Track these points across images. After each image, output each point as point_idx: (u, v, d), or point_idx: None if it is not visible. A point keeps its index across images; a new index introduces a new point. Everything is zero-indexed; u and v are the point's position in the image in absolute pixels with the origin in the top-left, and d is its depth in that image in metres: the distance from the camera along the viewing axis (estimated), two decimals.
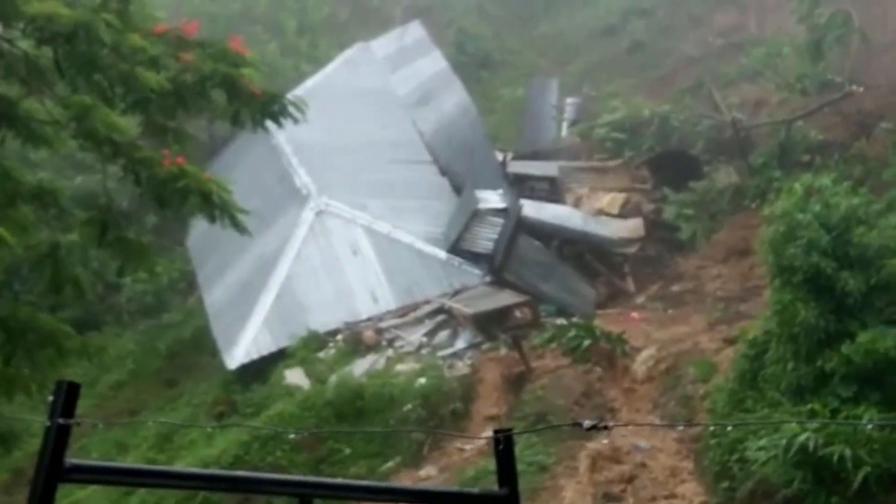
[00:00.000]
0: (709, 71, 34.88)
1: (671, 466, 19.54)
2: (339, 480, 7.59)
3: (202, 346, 29.34)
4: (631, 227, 29.76)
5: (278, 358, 26.47)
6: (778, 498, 16.53)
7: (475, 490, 5.93)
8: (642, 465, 19.62)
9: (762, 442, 16.15)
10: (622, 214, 30.13)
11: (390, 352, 25.96)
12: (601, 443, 20.12)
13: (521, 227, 29.13)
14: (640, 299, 28.06)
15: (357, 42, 39.68)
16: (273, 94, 16.82)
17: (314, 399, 23.93)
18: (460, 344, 25.93)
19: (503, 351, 25.06)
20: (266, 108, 16.67)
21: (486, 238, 28.63)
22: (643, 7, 41.88)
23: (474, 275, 28.20)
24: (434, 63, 37.66)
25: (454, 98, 35.65)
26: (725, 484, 17.99)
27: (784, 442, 15.44)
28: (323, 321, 27.20)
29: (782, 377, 17.21)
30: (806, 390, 16.77)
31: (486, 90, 39.36)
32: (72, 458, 4.62)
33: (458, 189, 31.42)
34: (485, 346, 25.60)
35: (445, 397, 23.62)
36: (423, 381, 23.97)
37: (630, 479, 19.35)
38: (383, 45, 39.51)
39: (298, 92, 21.85)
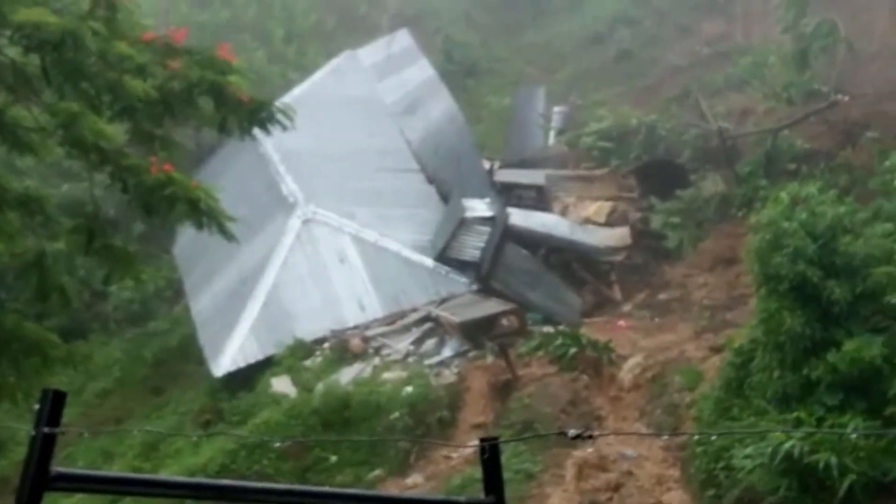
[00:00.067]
0: (695, 80, 34.97)
1: (657, 474, 19.55)
2: (325, 489, 7.57)
3: (189, 354, 29.27)
4: (618, 236, 29.79)
5: (265, 366, 26.41)
6: None
7: (462, 498, 5.94)
8: (629, 473, 19.62)
9: (748, 450, 16.18)
10: (609, 223, 30.16)
11: (377, 360, 25.93)
12: (587, 451, 20.13)
13: (508, 236, 29.15)
14: (626, 308, 28.09)
15: (344, 50, 39.65)
16: (261, 102, 16.85)
17: (301, 407, 23.89)
18: (447, 352, 25.92)
19: (490, 359, 25.04)
20: (254, 115, 16.69)
21: (473, 246, 28.64)
22: (630, 16, 41.96)
23: (461, 283, 28.19)
24: (421, 71, 37.67)
25: (441, 106, 35.66)
26: (712, 492, 18.00)
27: (770, 450, 15.47)
28: (310, 329, 27.16)
29: (768, 385, 17.24)
30: (792, 398, 16.80)
31: (474, 98, 39.38)
32: (57, 467, 4.62)
33: (445, 197, 31.42)
34: (471, 355, 25.58)
35: (432, 405, 23.61)
36: (409, 389, 23.94)
37: (616, 488, 19.36)
38: (370, 53, 39.50)
39: (286, 100, 21.83)
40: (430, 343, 26.38)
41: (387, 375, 24.85)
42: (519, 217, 29.92)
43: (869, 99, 28.90)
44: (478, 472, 5.15)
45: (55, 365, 17.10)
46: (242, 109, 16.46)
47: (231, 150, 32.63)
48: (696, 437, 18.77)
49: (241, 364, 26.71)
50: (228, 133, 17.53)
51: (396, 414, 23.23)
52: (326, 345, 26.79)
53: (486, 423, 22.83)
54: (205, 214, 16.05)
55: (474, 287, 28.08)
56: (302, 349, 26.61)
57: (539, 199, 31.71)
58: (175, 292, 32.68)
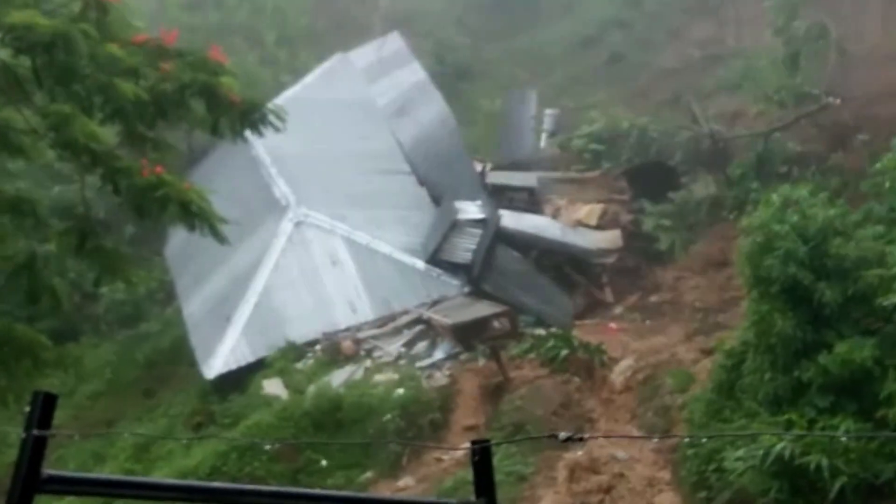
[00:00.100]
0: (687, 83, 35.02)
1: (649, 477, 19.56)
2: (317, 491, 7.58)
3: (180, 356, 29.23)
4: (609, 238, 29.82)
5: (256, 368, 26.41)
6: None
7: (453, 501, 5.95)
8: (620, 475, 19.63)
9: (740, 452, 16.19)
10: (600, 225, 30.18)
11: (368, 362, 25.93)
12: (579, 453, 20.13)
13: (499, 238, 29.17)
14: (618, 310, 28.12)
15: (336, 53, 39.66)
16: (253, 103, 16.82)
17: (292, 409, 23.88)
18: (439, 354, 25.92)
19: (481, 361, 25.05)
20: (246, 116, 16.67)
21: (464, 248, 28.65)
22: (622, 19, 42.01)
23: (453, 285, 28.20)
24: (413, 74, 37.70)
25: (433, 109, 35.68)
26: (703, 494, 18.02)
27: (761, 452, 15.48)
28: (301, 331, 27.15)
29: (759, 387, 17.26)
30: (783, 400, 16.82)
31: (465, 101, 39.37)
32: (49, 469, 4.61)
33: (436, 200, 31.43)
34: (463, 357, 25.59)
35: (424, 408, 23.62)
36: (401, 391, 23.95)
37: (608, 490, 19.36)
38: (362, 55, 39.51)
39: (278, 102, 21.82)
40: (421, 345, 26.39)
41: (378, 378, 24.86)
42: (510, 219, 29.94)
43: (860, 102, 28.95)
44: (469, 474, 5.15)
45: (46, 367, 17.05)
46: (234, 111, 16.44)
47: (223, 153, 32.60)
48: (688, 440, 18.79)
49: (233, 366, 26.69)
50: (220, 135, 17.50)
51: (388, 416, 23.24)
52: (318, 347, 26.79)
53: (478, 425, 22.83)
54: (196, 216, 16.03)
55: (466, 289, 28.09)
56: (293, 351, 26.61)
57: (531, 201, 31.73)
58: (167, 294, 32.65)
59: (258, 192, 31.19)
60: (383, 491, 21.33)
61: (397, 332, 27.01)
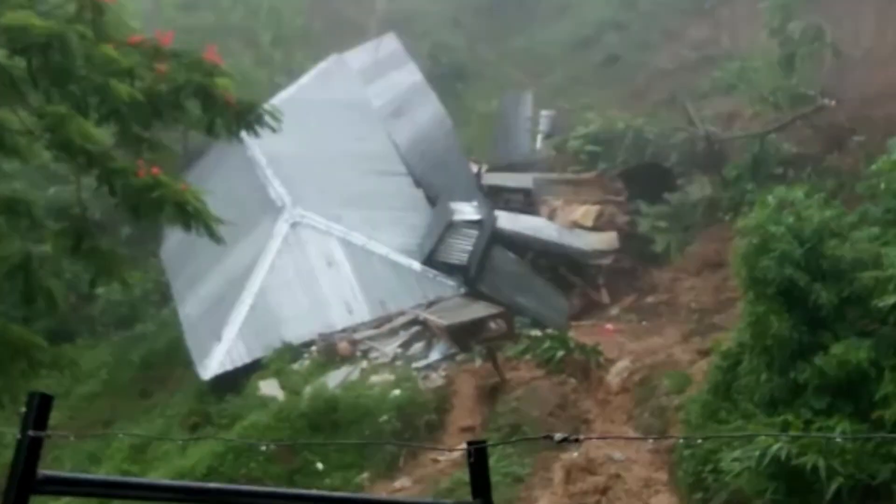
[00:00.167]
0: (683, 84, 35.05)
1: (645, 478, 19.57)
2: (313, 492, 7.57)
3: (176, 357, 29.21)
4: (605, 240, 29.84)
5: (252, 369, 26.39)
6: None
7: (449, 502, 5.94)
8: (616, 476, 19.63)
9: (736, 453, 16.19)
10: (596, 226, 30.20)
11: (365, 363, 25.92)
12: (575, 454, 20.14)
13: (495, 239, 29.17)
14: (614, 311, 28.13)
15: (332, 54, 39.65)
16: (248, 103, 16.84)
17: (288, 410, 23.87)
18: (435, 355, 25.92)
19: (478, 362, 25.05)
20: (241, 117, 16.68)
21: (460, 250, 28.64)
22: (618, 21, 42.00)
23: (449, 286, 28.20)
24: (409, 75, 37.69)
25: (429, 110, 35.68)
26: (699, 495, 18.03)
27: (757, 453, 15.49)
28: (297, 332, 27.14)
29: (756, 389, 17.26)
30: (779, 402, 16.82)
31: (461, 102, 39.39)
32: (44, 470, 4.60)
33: (432, 201, 31.43)
34: (459, 358, 25.59)
35: (420, 409, 23.62)
36: (397, 392, 23.95)
37: (604, 491, 19.37)
38: (358, 56, 39.50)
39: (273, 103, 21.81)
40: (417, 346, 26.38)
41: (374, 379, 24.86)
42: (506, 220, 29.94)
43: (855, 103, 28.97)
44: (466, 475, 5.16)
45: (42, 368, 17.05)
46: (230, 111, 16.44)
47: (218, 154, 32.61)
48: (683, 441, 18.80)
49: (229, 367, 26.67)
50: (216, 135, 17.50)
51: (384, 417, 23.24)
52: (314, 348, 26.77)
53: (475, 426, 22.84)
54: (192, 217, 16.04)
55: (462, 290, 28.09)
56: (289, 352, 26.59)
57: (527, 202, 31.74)
58: (162, 295, 32.62)
59: (254, 193, 31.18)
60: (380, 492, 21.33)
61: (393, 333, 27.00)
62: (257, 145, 29.48)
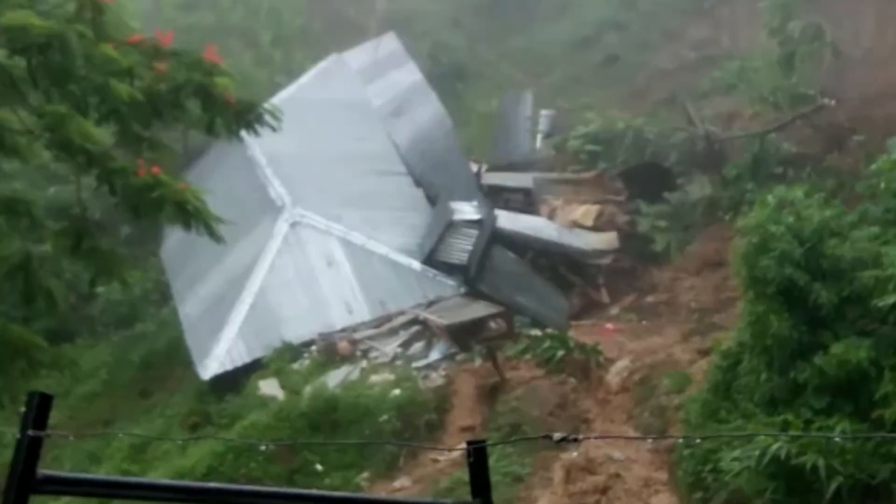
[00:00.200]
0: (682, 84, 35.05)
1: (645, 477, 19.57)
2: (313, 491, 7.57)
3: (176, 356, 29.21)
4: (605, 239, 29.85)
5: (252, 369, 26.39)
6: None
7: (449, 501, 5.94)
8: (616, 475, 19.63)
9: (736, 453, 16.20)
10: (596, 226, 30.19)
11: (365, 363, 25.92)
12: (575, 454, 20.14)
13: (495, 239, 29.17)
14: (614, 311, 28.14)
15: (331, 53, 39.64)
16: (248, 103, 16.84)
17: (288, 410, 23.87)
18: (435, 355, 25.92)
19: (478, 362, 25.05)
20: (241, 116, 16.68)
21: (460, 249, 28.64)
22: (618, 20, 41.98)
23: (449, 286, 28.19)
24: (409, 74, 37.68)
25: (429, 109, 35.67)
26: (699, 495, 18.03)
27: (757, 452, 15.49)
28: (297, 332, 27.14)
29: (756, 388, 17.27)
30: (779, 401, 16.83)
31: (461, 102, 39.38)
32: (44, 470, 4.60)
33: (432, 200, 31.43)
34: (459, 358, 25.59)
35: (420, 408, 23.62)
36: (397, 392, 23.95)
37: (604, 490, 19.37)
38: (358, 56, 39.50)
39: (273, 102, 21.81)
40: (417, 346, 26.38)
41: (374, 378, 24.86)
42: (506, 220, 29.94)
43: (855, 103, 28.98)
44: (466, 475, 5.15)
45: (42, 368, 17.06)
46: (230, 111, 16.44)
47: (218, 153, 32.61)
48: (684, 440, 18.80)
49: (229, 367, 26.67)
50: (216, 135, 17.50)
51: (384, 417, 23.24)
52: (314, 348, 26.77)
53: (474, 425, 22.84)
54: (192, 216, 16.04)
55: (462, 290, 28.08)
56: (289, 352, 26.59)
57: (526, 202, 31.74)
58: (162, 295, 32.63)
59: (254, 193, 31.18)
60: (379, 491, 21.33)
61: (393, 332, 27.00)
62: (257, 145, 29.49)
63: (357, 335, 26.92)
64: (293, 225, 29.29)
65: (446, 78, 39.70)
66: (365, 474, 22.31)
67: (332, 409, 23.67)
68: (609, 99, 36.53)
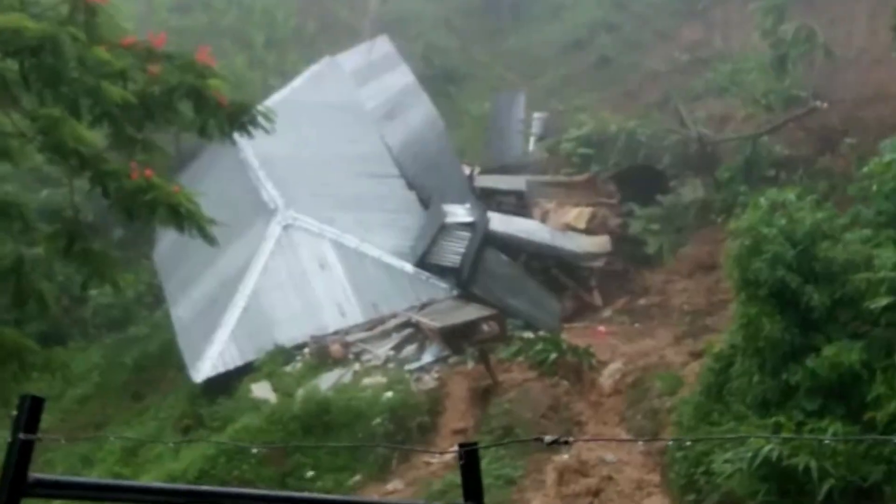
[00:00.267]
0: (675, 86, 35.08)
1: (638, 479, 19.58)
2: (305, 494, 7.57)
3: (169, 359, 29.18)
4: (598, 242, 29.84)
5: (245, 372, 26.36)
6: None
7: None
8: (609, 478, 19.65)
9: (728, 455, 16.22)
10: (589, 229, 30.18)
11: (357, 365, 25.90)
12: (568, 456, 20.14)
13: (488, 241, 29.16)
14: (606, 313, 28.15)
15: (325, 56, 39.63)
16: (241, 104, 16.83)
17: (281, 413, 23.85)
18: (427, 358, 25.91)
19: (470, 365, 25.05)
20: (234, 118, 16.66)
21: (453, 252, 28.63)
22: (610, 22, 42.02)
23: (441, 288, 28.19)
24: (402, 77, 37.66)
25: (422, 112, 35.66)
26: (692, 497, 18.04)
27: (749, 454, 15.52)
28: (290, 335, 27.12)
29: (748, 390, 17.30)
30: (771, 403, 16.86)
31: (454, 104, 39.37)
32: (36, 473, 4.60)
33: (425, 203, 31.42)
34: (452, 360, 25.59)
35: (412, 411, 23.60)
36: (390, 394, 23.94)
37: (597, 493, 19.38)
38: (351, 58, 39.48)
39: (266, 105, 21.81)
40: (410, 349, 26.37)
41: (367, 381, 24.84)
42: (499, 222, 29.94)
43: (847, 105, 29.03)
44: (458, 478, 5.15)
45: (33, 371, 17.03)
46: (223, 113, 16.43)
47: (211, 155, 32.57)
48: (671, 443, 18.82)
49: (221, 369, 26.64)
50: (209, 137, 17.49)
51: (377, 419, 23.22)
52: (306, 350, 26.74)
53: (467, 428, 22.82)
54: (185, 219, 16.04)
55: (455, 292, 28.08)
56: (282, 355, 26.56)
57: (519, 204, 31.72)
58: (155, 297, 32.59)
59: (246, 195, 31.14)
60: (372, 494, 21.30)
61: (386, 335, 26.99)
62: (250, 147, 29.49)
63: (349, 338, 26.91)
64: (286, 227, 29.26)
65: (439, 80, 39.70)
66: (357, 477, 22.29)
67: (324, 411, 23.65)
68: (602, 101, 36.56)
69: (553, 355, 23.76)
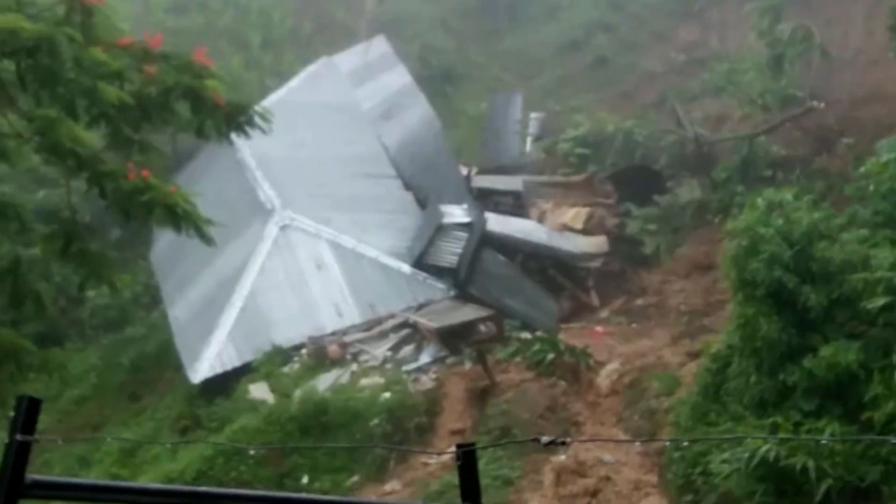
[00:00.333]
0: (672, 86, 35.11)
1: (635, 480, 19.58)
2: (303, 495, 7.56)
3: (166, 360, 29.15)
4: (595, 242, 29.85)
5: (242, 372, 26.34)
6: None
7: None
8: (606, 478, 19.65)
9: (725, 455, 16.22)
10: (586, 229, 30.19)
11: (355, 366, 25.89)
12: (565, 457, 20.14)
13: (485, 242, 29.16)
14: (604, 313, 28.15)
15: (321, 56, 39.60)
16: (238, 105, 16.80)
17: (278, 413, 23.84)
18: (425, 358, 25.91)
19: (468, 365, 25.04)
20: (231, 119, 16.64)
21: (450, 252, 28.62)
22: (607, 23, 42.02)
23: (439, 289, 28.18)
24: (398, 77, 37.62)
25: (418, 112, 35.63)
26: (689, 497, 18.05)
27: (747, 455, 15.52)
28: (287, 336, 27.10)
29: (745, 391, 17.30)
30: (769, 404, 16.85)
31: (451, 104, 39.34)
32: (33, 474, 4.59)
33: (422, 203, 31.40)
34: (449, 361, 25.58)
35: (410, 412, 23.60)
36: (387, 395, 23.93)
37: (594, 493, 19.38)
38: (348, 59, 39.45)
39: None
40: (407, 349, 26.36)
41: (364, 382, 24.83)
42: (496, 223, 29.94)
43: (844, 105, 29.06)
44: (456, 478, 5.15)
45: (30, 371, 17.01)
46: (219, 113, 16.41)
47: (208, 156, 32.55)
48: (669, 443, 18.83)
49: (219, 370, 26.62)
50: (206, 137, 17.47)
51: (374, 420, 23.22)
52: (304, 351, 26.73)
53: (464, 429, 22.82)
54: (182, 219, 16.02)
55: (452, 293, 28.07)
56: (279, 355, 26.55)
57: (516, 205, 31.72)
58: (152, 298, 32.55)
59: (243, 196, 31.12)
60: (370, 495, 21.30)
61: (383, 335, 26.98)
62: (247, 148, 29.46)
63: (347, 338, 26.90)
64: (283, 228, 29.25)
65: (436, 80, 39.66)
66: (355, 478, 22.29)
67: (321, 412, 23.64)
68: (598, 101, 36.57)
69: (550, 356, 23.76)
